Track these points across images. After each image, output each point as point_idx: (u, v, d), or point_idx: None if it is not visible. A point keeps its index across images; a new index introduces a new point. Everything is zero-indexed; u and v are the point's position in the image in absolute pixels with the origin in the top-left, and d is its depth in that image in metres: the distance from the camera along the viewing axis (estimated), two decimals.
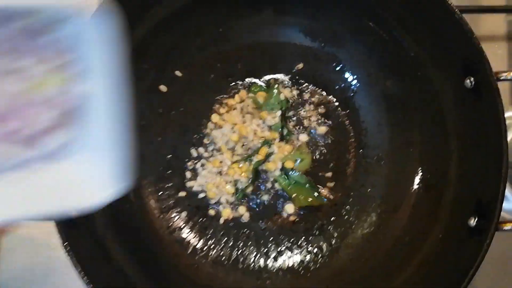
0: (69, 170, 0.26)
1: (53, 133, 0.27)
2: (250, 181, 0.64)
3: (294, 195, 0.64)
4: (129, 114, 0.27)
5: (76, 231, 0.52)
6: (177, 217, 0.63)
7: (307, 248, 0.63)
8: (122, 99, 0.26)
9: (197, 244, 0.63)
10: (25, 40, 0.26)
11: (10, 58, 0.26)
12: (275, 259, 0.63)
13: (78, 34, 0.27)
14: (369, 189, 0.64)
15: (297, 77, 0.66)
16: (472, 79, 0.52)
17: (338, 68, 0.66)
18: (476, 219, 0.51)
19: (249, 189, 0.64)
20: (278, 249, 0.63)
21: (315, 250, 0.63)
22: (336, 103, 0.66)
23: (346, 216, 0.63)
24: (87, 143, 0.27)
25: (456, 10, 0.50)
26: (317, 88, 0.66)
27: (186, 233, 0.63)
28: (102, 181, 0.26)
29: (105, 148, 0.26)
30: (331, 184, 0.64)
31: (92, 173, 0.26)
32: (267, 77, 0.66)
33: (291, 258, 0.63)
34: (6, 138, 0.26)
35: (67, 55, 0.27)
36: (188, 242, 0.63)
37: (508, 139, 0.52)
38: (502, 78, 0.50)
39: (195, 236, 0.63)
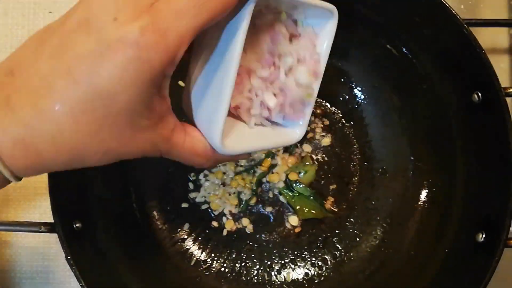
0: (283, 129, 0.41)
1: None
2: (253, 193, 0.63)
3: (298, 207, 0.63)
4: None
5: (79, 243, 0.51)
6: (180, 228, 0.63)
7: (311, 261, 0.62)
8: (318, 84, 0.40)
9: (199, 256, 0.62)
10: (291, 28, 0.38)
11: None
12: (279, 272, 0.62)
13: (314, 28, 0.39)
14: (374, 202, 0.63)
15: None
16: (479, 94, 0.52)
17: (342, 80, 0.65)
18: (484, 235, 0.50)
19: (253, 201, 0.64)
20: (282, 262, 0.62)
21: (319, 263, 0.62)
22: (340, 115, 0.66)
23: (351, 229, 0.63)
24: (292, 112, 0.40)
25: (465, 25, 0.50)
26: (320, 100, 0.66)
27: (189, 245, 0.62)
28: (297, 132, 0.41)
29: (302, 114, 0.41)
30: (335, 197, 0.64)
31: (293, 129, 0.41)
32: None
33: (295, 271, 0.62)
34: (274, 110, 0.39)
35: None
36: (191, 254, 0.62)
37: None
38: (511, 93, 0.50)
39: (198, 248, 0.62)
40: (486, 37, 0.72)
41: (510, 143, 0.49)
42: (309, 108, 0.41)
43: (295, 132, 0.41)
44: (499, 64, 0.72)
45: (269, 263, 0.62)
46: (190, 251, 0.62)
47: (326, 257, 0.62)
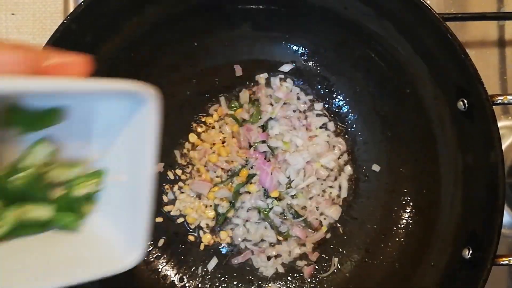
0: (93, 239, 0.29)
1: None
2: (231, 205, 0.60)
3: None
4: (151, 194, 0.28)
5: None
6: (154, 245, 0.60)
7: (294, 275, 0.59)
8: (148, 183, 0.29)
9: (175, 274, 0.59)
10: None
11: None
12: (260, 287, 0.59)
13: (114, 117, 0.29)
14: (357, 212, 0.60)
15: (278, 93, 0.62)
16: (465, 101, 0.48)
17: (321, 85, 0.62)
18: (471, 251, 0.48)
19: (230, 213, 0.60)
20: (262, 276, 0.59)
21: (301, 276, 0.59)
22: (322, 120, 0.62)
23: (334, 240, 0.60)
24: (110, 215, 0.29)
25: (450, 30, 0.46)
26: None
27: (164, 262, 0.59)
28: (123, 248, 0.28)
29: (127, 220, 0.29)
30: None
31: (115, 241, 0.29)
32: (246, 93, 0.62)
33: (276, 286, 0.59)
34: None
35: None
36: (166, 272, 0.59)
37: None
38: (498, 102, 0.47)
39: (174, 265, 0.59)
40: (475, 30, 0.68)
41: (497, 155, 0.46)
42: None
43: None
44: (488, 57, 0.69)
45: (248, 278, 0.59)
46: (165, 269, 0.59)
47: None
